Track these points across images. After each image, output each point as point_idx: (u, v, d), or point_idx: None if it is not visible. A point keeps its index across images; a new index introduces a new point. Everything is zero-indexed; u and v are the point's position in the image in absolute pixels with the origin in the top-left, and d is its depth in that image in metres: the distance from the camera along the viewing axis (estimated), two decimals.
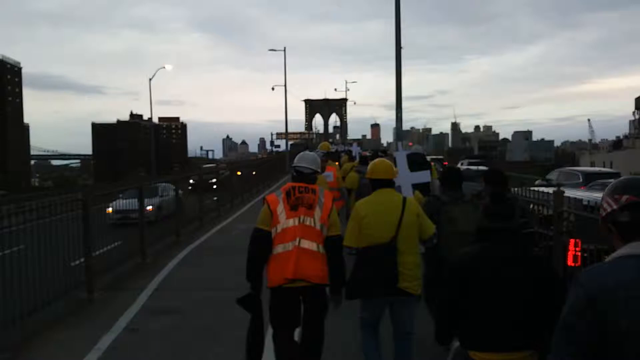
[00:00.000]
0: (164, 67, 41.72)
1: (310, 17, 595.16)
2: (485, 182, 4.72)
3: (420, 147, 13.26)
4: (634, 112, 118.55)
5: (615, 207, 1.54)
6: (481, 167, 25.28)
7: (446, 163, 25.85)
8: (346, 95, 73.01)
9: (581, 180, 14.67)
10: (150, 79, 38.84)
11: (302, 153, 4.09)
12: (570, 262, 4.57)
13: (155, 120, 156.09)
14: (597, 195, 5.20)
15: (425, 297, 4.36)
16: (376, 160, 4.16)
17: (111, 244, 7.82)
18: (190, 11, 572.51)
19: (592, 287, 1.46)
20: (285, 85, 42.03)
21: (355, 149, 16.00)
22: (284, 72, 41.33)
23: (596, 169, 20.63)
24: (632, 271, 1.44)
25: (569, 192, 5.24)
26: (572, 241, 4.59)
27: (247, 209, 15.72)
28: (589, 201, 4.62)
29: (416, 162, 9.03)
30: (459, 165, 28.68)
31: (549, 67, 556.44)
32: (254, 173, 21.76)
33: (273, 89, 44.69)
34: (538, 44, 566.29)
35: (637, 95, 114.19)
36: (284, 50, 40.74)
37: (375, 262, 3.60)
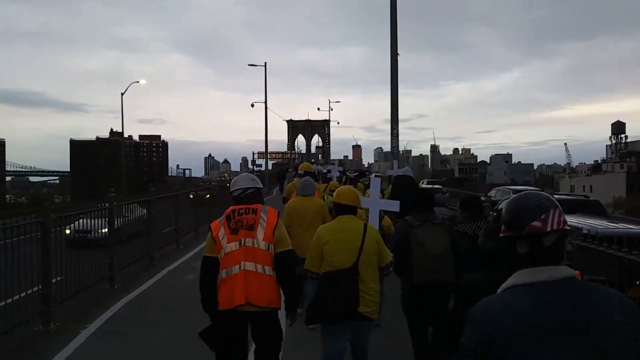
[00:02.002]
0: (138, 82, 40.41)
1: (291, 41, 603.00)
2: (461, 208, 4.74)
3: (408, 168, 12.26)
4: (610, 137, 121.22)
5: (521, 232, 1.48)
6: (436, 186, 27.56)
7: None
8: (329, 114, 72.53)
9: (512, 196, 16.72)
10: (122, 94, 37.26)
11: (235, 177, 4.06)
12: None
13: (136, 138, 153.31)
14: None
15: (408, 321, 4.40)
16: (344, 187, 4.31)
17: None
18: (171, 32, 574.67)
19: (487, 323, 1.35)
20: (265, 102, 41.00)
21: (335, 169, 14.53)
22: (264, 88, 40.26)
23: (523, 187, 22.94)
24: (525, 301, 1.36)
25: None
26: None
27: None
28: (588, 230, 4.70)
29: (404, 186, 8.03)
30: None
31: (523, 94, 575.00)
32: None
33: (253, 105, 43.50)
34: (512, 72, 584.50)
35: (612, 121, 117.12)
36: (265, 65, 39.74)
37: (337, 286, 3.60)
